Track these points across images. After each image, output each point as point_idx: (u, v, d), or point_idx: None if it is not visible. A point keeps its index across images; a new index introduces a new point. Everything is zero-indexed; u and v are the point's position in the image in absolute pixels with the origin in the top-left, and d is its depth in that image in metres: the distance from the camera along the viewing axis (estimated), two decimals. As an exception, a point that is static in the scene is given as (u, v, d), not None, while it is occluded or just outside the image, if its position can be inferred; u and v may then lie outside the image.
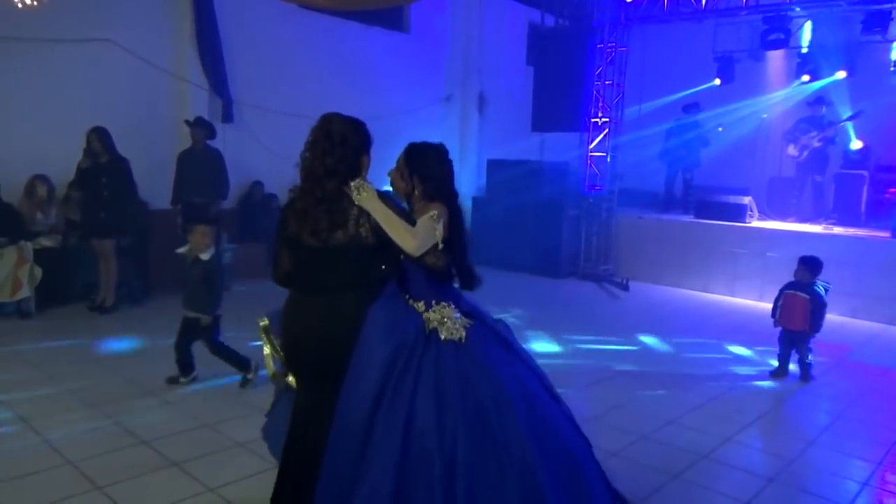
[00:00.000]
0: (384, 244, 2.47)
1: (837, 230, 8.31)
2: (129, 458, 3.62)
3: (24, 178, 6.68)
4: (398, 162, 2.70)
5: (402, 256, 2.54)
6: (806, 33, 9.95)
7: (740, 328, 6.98)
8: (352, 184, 2.47)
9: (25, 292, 6.20)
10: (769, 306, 5.68)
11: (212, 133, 7.54)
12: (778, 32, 8.47)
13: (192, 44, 8.08)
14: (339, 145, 2.48)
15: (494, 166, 10.18)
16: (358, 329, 2.43)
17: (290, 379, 2.73)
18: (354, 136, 2.53)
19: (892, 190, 8.81)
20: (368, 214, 2.45)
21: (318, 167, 2.47)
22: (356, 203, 2.46)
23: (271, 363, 2.83)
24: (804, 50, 9.92)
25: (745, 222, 8.82)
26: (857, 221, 8.67)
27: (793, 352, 5.43)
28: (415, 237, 2.44)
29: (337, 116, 2.56)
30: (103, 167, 6.41)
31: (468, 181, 11.20)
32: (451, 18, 11.43)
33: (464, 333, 2.49)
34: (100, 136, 6.37)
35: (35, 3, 4.95)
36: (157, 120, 7.89)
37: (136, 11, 7.65)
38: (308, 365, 2.59)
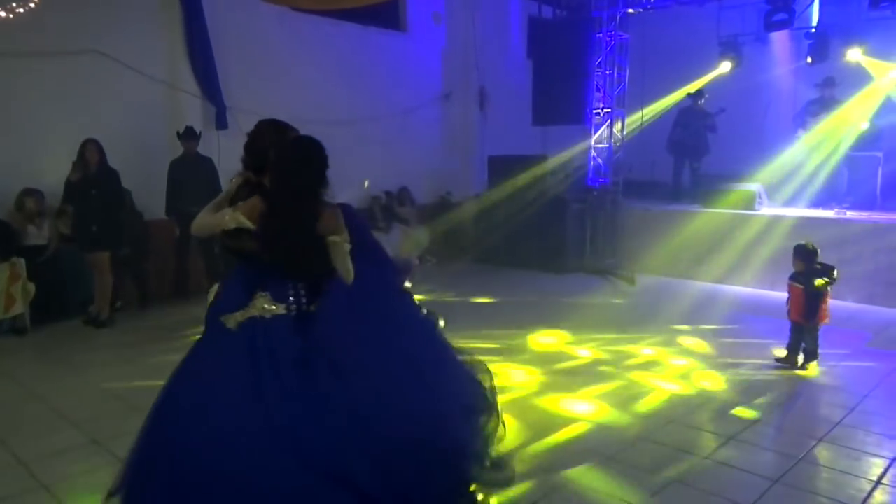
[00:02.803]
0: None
1: (851, 214, 8.03)
2: (105, 477, 3.51)
3: (16, 192, 6.64)
4: None
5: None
6: (815, 12, 9.64)
7: (750, 317, 6.76)
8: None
9: (19, 308, 6.17)
10: (780, 294, 5.46)
11: (198, 137, 7.46)
12: (781, 13, 8.19)
13: (183, 52, 8.01)
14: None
15: (496, 162, 9.98)
16: None
17: None
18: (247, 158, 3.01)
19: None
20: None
21: None
22: None
23: None
24: (812, 30, 9.62)
25: (754, 210, 8.56)
26: (873, 205, 8.39)
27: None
28: (199, 216, 2.90)
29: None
30: (93, 179, 6.34)
31: (471, 178, 11.06)
32: (448, 15, 11.26)
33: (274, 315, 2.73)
34: (97, 148, 6.33)
35: (11, 15, 4.86)
36: (150, 130, 7.81)
37: (126, 22, 7.57)
38: None
